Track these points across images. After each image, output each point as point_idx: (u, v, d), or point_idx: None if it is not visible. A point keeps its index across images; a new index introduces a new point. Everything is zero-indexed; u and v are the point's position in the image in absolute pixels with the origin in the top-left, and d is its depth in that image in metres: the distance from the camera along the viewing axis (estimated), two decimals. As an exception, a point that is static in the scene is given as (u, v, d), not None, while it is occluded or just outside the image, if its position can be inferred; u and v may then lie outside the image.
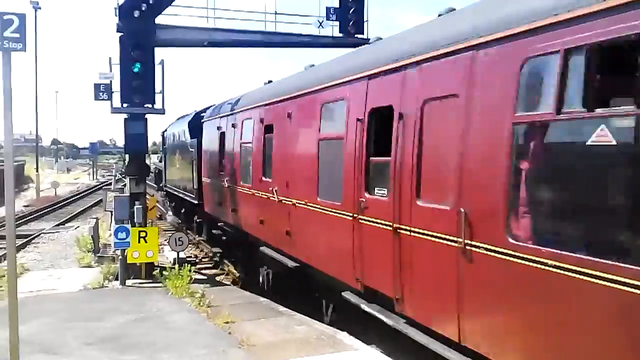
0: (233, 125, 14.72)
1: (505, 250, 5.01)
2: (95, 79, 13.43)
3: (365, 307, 7.56)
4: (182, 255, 14.21)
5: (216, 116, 17.09)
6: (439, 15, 7.20)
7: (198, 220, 21.53)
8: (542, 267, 4.60)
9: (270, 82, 13.91)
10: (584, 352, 4.39)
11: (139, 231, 12.78)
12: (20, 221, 25.82)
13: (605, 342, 4.23)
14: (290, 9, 16.31)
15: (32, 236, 21.79)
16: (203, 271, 15.86)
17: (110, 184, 43.01)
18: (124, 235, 12.48)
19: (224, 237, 16.53)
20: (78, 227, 24.42)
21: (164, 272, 12.56)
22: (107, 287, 12.58)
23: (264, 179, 11.99)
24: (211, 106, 19.23)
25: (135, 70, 12.77)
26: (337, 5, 15.65)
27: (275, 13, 15.62)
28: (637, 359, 3.96)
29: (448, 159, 5.93)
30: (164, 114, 13.70)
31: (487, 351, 5.31)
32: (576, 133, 4.59)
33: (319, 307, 9.80)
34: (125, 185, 20.45)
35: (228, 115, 15.44)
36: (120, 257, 12.81)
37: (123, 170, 31.73)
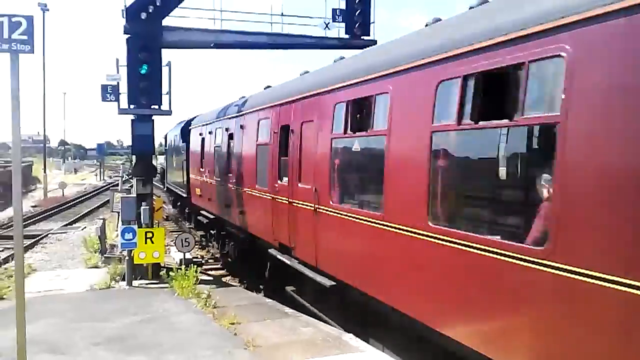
0: (210, 132, 18.62)
1: (330, 210, 8.83)
2: (102, 80, 13.51)
3: (278, 255, 11.29)
4: (188, 256, 14.24)
5: (198, 125, 21.22)
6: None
7: (187, 211, 25.45)
8: (342, 216, 8.43)
9: (242, 97, 16.74)
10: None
11: (146, 232, 12.82)
12: (28, 221, 25.97)
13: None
14: (296, 11, 16.28)
15: (40, 236, 21.91)
16: (209, 272, 15.88)
17: (117, 184, 43.16)
18: (131, 236, 12.53)
19: (206, 222, 19.52)
20: (85, 227, 24.54)
21: (170, 273, 12.61)
22: (114, 287, 12.63)
23: (228, 174, 15.94)
24: (197, 115, 23.33)
25: (142, 71, 12.83)
26: (344, 7, 15.62)
27: (282, 15, 15.60)
28: None
29: (310, 158, 9.74)
30: (170, 115, 13.76)
31: (327, 269, 9.10)
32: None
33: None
34: (132, 186, 20.53)
35: (205, 124, 19.60)
36: (127, 257, 12.86)
37: (130, 171, 32.99)
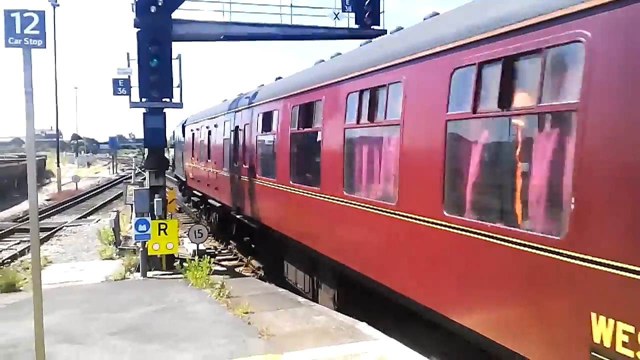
0: (197, 129, 23.79)
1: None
2: (113, 74, 13.62)
3: (234, 214, 16.03)
4: (201, 247, 14.36)
5: (190, 123, 26.84)
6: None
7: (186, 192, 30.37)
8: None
9: (225, 100, 20.62)
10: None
11: (159, 224, 12.94)
12: (42, 215, 26.29)
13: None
14: (305, 2, 16.29)
15: (55, 229, 22.19)
16: (222, 263, 16.01)
17: (130, 177, 43.47)
18: (145, 228, 12.66)
19: (197, 200, 25.43)
20: (99, 220, 24.79)
21: (184, 264, 12.72)
22: (128, 278, 12.78)
23: (208, 160, 20.53)
24: (190, 116, 28.66)
25: (153, 65, 12.90)
26: (353, -3, 15.57)
27: (291, 6, 15.61)
28: None
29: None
30: (181, 107, 13.85)
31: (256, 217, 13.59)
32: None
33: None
34: (144, 178, 20.71)
35: (194, 123, 25.23)
36: (141, 249, 12.99)
37: (143, 163, 34.19)
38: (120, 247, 16.39)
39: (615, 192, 4.16)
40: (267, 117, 12.93)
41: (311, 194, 9.89)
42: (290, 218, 11.41)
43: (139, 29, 12.97)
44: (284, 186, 11.41)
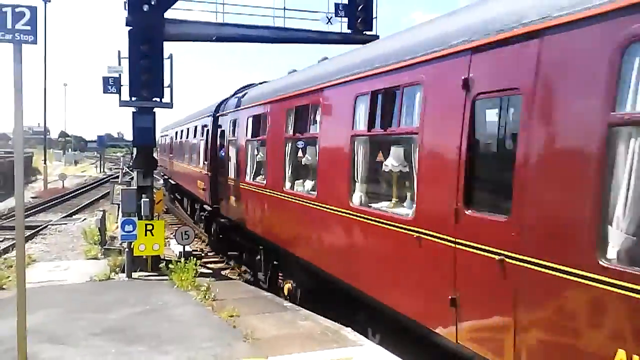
0: (174, 135, 29.87)
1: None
2: (104, 72, 13.53)
3: (208, 207, 18.49)
4: (188, 248, 14.28)
5: (168, 129, 34.51)
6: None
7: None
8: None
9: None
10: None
11: (146, 224, 12.85)
12: (28, 212, 25.97)
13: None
14: (299, 5, 16.30)
15: (40, 227, 21.95)
16: (209, 265, 15.92)
17: (118, 176, 43.18)
18: (131, 228, 12.57)
19: (176, 192, 31.56)
20: (85, 219, 24.57)
21: (170, 265, 12.65)
22: (113, 279, 12.67)
23: (191, 160, 22.71)
24: (167, 125, 35.69)
25: (144, 64, 12.83)
26: (346, 2, 15.61)
27: (284, 9, 15.63)
28: None
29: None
30: (171, 108, 13.78)
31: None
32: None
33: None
34: (132, 178, 20.59)
35: (169, 130, 33.24)
36: (126, 249, 12.89)
37: (130, 163, 34.44)
38: (105, 247, 16.24)
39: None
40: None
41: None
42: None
43: (131, 28, 12.91)
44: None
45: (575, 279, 4.12)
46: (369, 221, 7.49)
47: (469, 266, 5.42)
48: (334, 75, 8.86)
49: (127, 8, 12.94)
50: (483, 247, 5.18)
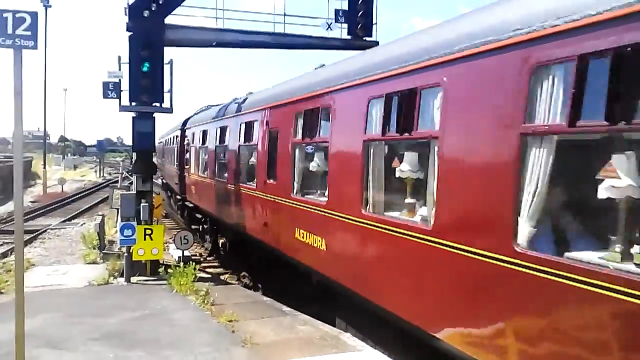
0: (166, 142, 34.36)
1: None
2: (104, 77, 13.57)
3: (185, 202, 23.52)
4: (187, 253, 14.28)
5: (161, 139, 38.20)
6: None
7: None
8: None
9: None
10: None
11: (145, 229, 12.86)
12: (27, 217, 25.96)
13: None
14: (299, 11, 16.37)
15: (39, 232, 21.91)
16: (207, 270, 15.90)
17: (117, 181, 43.20)
18: (130, 233, 12.57)
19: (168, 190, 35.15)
20: (84, 223, 24.56)
21: (168, 270, 12.65)
22: (112, 283, 12.67)
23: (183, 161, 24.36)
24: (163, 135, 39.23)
25: (144, 69, 12.87)
26: (346, 8, 15.66)
27: (284, 15, 15.66)
28: None
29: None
30: (171, 112, 13.80)
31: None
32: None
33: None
34: (131, 183, 20.64)
35: (165, 138, 35.97)
36: (125, 254, 12.89)
37: (130, 168, 35.06)
38: (104, 251, 16.25)
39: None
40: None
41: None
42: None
43: (132, 33, 12.94)
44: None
45: (495, 261, 5.01)
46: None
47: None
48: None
49: (127, 14, 12.98)
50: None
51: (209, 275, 14.75)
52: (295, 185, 10.01)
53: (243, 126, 13.60)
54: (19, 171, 6.30)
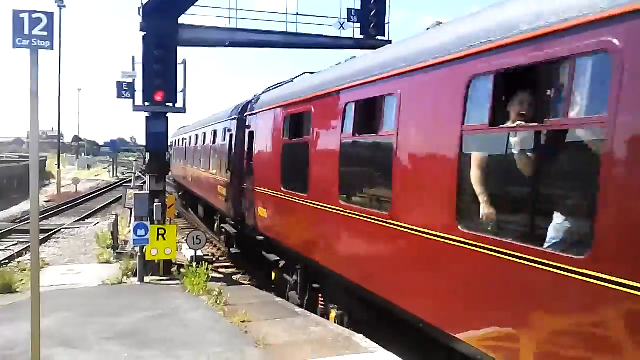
0: (179, 141, 33.58)
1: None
2: (117, 77, 13.62)
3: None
4: (199, 253, 14.30)
5: (177, 136, 35.70)
6: None
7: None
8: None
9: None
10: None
11: (158, 229, 12.90)
12: (41, 216, 26.16)
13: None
14: (311, 11, 16.33)
15: (53, 231, 22.11)
16: (220, 270, 15.93)
17: (130, 181, 43.42)
18: (143, 233, 12.61)
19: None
20: (98, 223, 24.74)
21: (181, 270, 12.67)
22: (125, 283, 12.72)
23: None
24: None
25: (158, 69, 12.90)
26: (359, 7, 15.62)
27: (297, 14, 15.65)
28: None
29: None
30: (184, 112, 13.83)
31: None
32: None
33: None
34: (145, 182, 20.75)
35: (177, 138, 35.39)
36: (138, 254, 12.94)
37: (143, 167, 35.50)
38: (118, 251, 16.32)
39: None
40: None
41: None
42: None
43: (145, 33, 12.99)
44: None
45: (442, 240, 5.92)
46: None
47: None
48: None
49: (141, 14, 13.03)
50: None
51: (221, 276, 14.77)
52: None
53: None
54: (34, 171, 6.32)
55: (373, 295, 7.59)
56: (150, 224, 12.96)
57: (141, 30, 13.02)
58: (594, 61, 4.39)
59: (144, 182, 22.85)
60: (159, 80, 12.93)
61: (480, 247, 5.31)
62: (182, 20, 13.52)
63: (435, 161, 6.16)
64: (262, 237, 12.94)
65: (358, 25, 15.69)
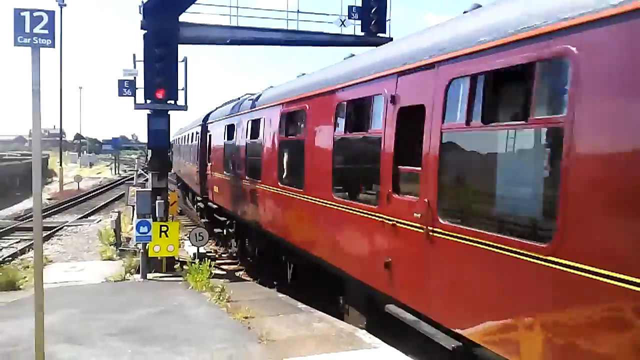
0: (176, 140, 36.37)
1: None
2: (119, 75, 13.65)
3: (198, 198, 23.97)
4: (202, 250, 14.35)
5: (175, 136, 37.77)
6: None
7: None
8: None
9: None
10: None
11: (161, 226, 12.94)
12: (44, 214, 26.13)
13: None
14: (312, 8, 16.26)
15: (56, 229, 22.19)
16: (222, 266, 15.97)
17: (132, 178, 43.49)
18: (146, 230, 12.66)
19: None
20: (100, 220, 24.79)
21: (184, 267, 12.71)
22: (128, 280, 12.78)
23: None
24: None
25: (159, 66, 12.92)
26: (359, 4, 15.62)
27: (298, 12, 15.67)
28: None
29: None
30: (186, 110, 13.87)
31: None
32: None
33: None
34: (147, 180, 20.82)
35: (175, 137, 37.36)
36: (141, 250, 12.99)
37: (145, 165, 35.71)
38: (120, 248, 16.38)
39: None
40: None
41: None
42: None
43: (146, 31, 13.01)
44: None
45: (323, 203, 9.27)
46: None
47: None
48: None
49: (142, 12, 13.05)
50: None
51: (224, 272, 14.82)
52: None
53: None
54: (37, 170, 6.35)
55: (268, 232, 12.46)
56: (153, 221, 13.00)
57: (142, 28, 13.04)
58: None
59: (146, 180, 22.89)
60: (160, 78, 12.96)
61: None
62: (183, 18, 13.55)
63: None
64: (215, 206, 18.75)
65: (359, 22, 15.70)
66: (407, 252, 6.68)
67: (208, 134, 20.22)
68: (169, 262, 13.46)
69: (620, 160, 4.00)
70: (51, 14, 6.13)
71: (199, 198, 23.63)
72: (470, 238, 5.40)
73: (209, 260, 12.92)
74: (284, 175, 11.42)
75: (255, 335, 8.36)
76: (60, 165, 45.25)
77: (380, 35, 15.66)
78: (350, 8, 15.62)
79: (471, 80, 5.53)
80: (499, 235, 5.09)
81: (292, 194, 10.49)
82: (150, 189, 13.90)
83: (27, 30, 6.02)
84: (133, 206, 17.90)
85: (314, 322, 9.13)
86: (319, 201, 9.17)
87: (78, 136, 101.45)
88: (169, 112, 13.61)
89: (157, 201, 13.32)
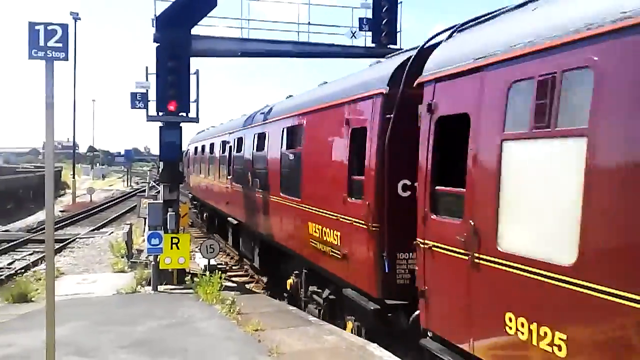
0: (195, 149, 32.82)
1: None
2: (131, 87, 13.75)
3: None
4: (212, 262, 14.34)
5: (192, 142, 35.56)
6: None
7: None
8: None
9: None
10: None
11: (172, 238, 12.95)
12: (56, 226, 26.38)
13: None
14: (323, 20, 16.30)
15: (68, 241, 22.31)
16: (233, 279, 15.97)
17: (144, 190, 43.71)
18: (157, 242, 12.68)
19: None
20: (112, 232, 24.91)
21: (195, 279, 12.69)
22: (139, 292, 12.78)
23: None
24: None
25: (171, 79, 13.01)
26: (370, 16, 15.64)
27: (309, 24, 15.70)
28: None
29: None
30: (198, 122, 13.95)
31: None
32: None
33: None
34: (158, 192, 20.90)
35: (192, 145, 34.41)
36: (152, 262, 13.00)
37: (157, 177, 35.67)
38: (132, 260, 16.42)
39: None
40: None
41: None
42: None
43: (158, 44, 13.11)
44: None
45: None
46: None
47: None
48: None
49: (154, 25, 13.17)
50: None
51: (235, 285, 14.79)
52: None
53: None
54: (50, 183, 6.39)
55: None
56: (164, 233, 13.02)
57: (155, 41, 13.15)
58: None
59: (158, 192, 23.00)
60: (172, 91, 13.04)
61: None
62: (195, 31, 13.65)
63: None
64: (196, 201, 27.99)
65: (370, 34, 15.71)
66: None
67: (192, 149, 22.91)
68: (180, 274, 13.46)
69: None
70: (65, 27, 6.19)
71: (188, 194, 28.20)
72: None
73: (220, 272, 12.90)
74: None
75: (266, 348, 8.31)
76: (73, 177, 45.59)
77: (391, 46, 15.64)
78: (361, 20, 15.63)
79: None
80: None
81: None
82: (162, 201, 13.94)
83: (42, 43, 6.08)
84: (145, 218, 17.96)
85: (324, 335, 9.06)
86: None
87: (91, 148, 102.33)
88: (181, 125, 13.68)
89: (168, 213, 13.35)
